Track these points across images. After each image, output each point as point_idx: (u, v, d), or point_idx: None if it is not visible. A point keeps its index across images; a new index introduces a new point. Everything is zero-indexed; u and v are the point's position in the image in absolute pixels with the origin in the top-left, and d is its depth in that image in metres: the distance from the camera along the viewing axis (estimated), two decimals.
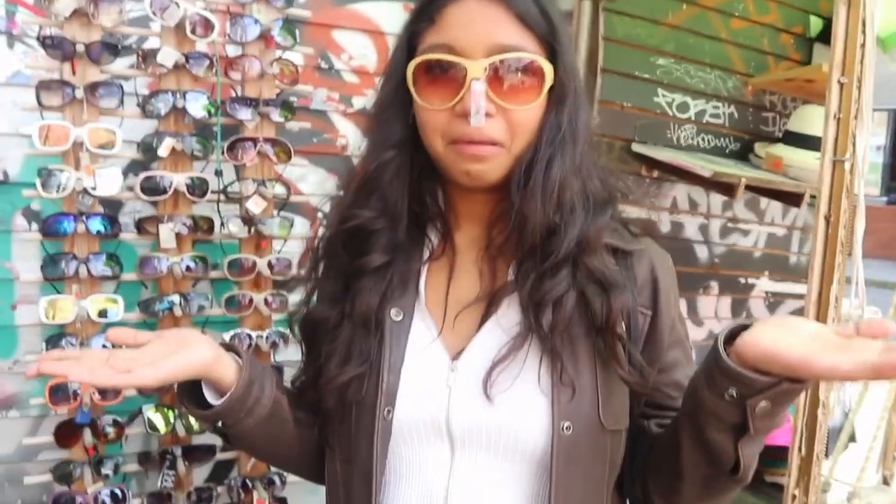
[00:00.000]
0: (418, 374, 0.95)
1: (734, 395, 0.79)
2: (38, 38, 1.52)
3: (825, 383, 1.42)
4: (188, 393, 0.96)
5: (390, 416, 0.93)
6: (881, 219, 13.78)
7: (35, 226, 1.67)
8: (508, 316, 0.94)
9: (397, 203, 0.96)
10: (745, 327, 0.81)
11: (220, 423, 0.96)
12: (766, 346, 0.76)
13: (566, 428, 0.89)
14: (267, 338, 1.73)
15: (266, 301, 1.72)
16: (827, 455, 1.72)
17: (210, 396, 0.96)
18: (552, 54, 0.91)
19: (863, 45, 1.39)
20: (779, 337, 0.76)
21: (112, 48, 1.56)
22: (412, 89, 0.92)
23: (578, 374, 0.92)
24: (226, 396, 0.93)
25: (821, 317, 1.39)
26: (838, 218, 1.38)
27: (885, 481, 1.78)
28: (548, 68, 0.89)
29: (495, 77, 0.87)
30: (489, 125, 0.88)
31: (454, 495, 0.92)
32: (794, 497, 1.41)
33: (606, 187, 0.97)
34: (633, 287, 0.96)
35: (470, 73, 0.86)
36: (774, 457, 1.96)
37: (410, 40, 0.94)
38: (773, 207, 2.80)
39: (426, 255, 1.00)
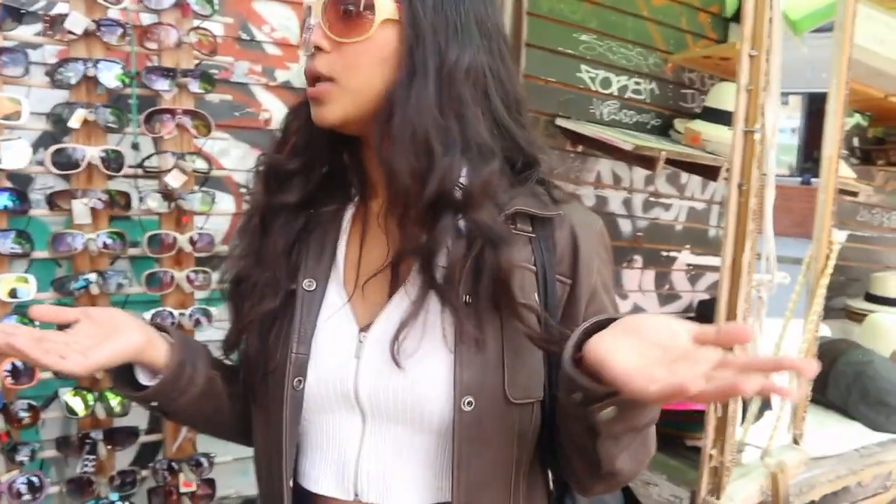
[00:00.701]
0: (328, 344, 0.94)
1: (577, 399, 0.77)
2: None
3: (739, 347, 1.48)
4: (120, 374, 0.95)
5: (301, 387, 0.92)
6: (795, 198, 14.38)
7: None
8: (414, 281, 0.92)
9: (319, 148, 0.95)
10: (606, 323, 0.77)
11: (154, 404, 0.96)
12: (600, 353, 0.71)
13: (467, 403, 0.87)
14: (190, 316, 1.69)
15: (188, 278, 1.68)
16: (742, 422, 1.80)
17: (143, 377, 0.95)
18: None
19: (770, 20, 1.44)
20: (617, 345, 0.71)
21: (15, 13, 1.48)
22: None
23: (483, 337, 0.88)
24: (158, 379, 0.93)
25: (734, 284, 1.45)
26: (749, 186, 1.44)
27: (796, 441, 1.87)
28: (382, 1, 0.85)
29: (331, 10, 0.85)
30: (318, 60, 0.87)
31: (364, 465, 0.92)
32: (710, 457, 1.47)
33: (517, 145, 0.92)
34: (550, 255, 0.93)
35: (314, 11, 0.87)
36: (694, 420, 2.05)
37: None
38: (693, 182, 2.89)
39: (346, 221, 0.99)
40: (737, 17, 2.73)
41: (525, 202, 0.92)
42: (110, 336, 0.87)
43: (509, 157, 0.93)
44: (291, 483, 0.93)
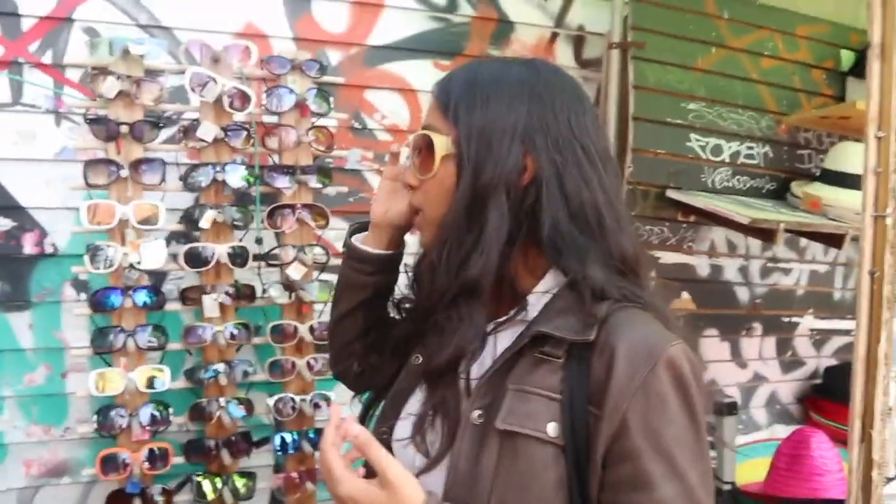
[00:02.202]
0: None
1: None
2: (84, 120, 1.58)
3: (879, 443, 1.38)
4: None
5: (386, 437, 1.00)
6: None
7: (83, 295, 1.72)
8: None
9: None
10: None
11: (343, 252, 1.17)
12: None
13: None
14: (310, 401, 1.74)
15: (308, 365, 1.74)
16: None
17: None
18: (455, 119, 0.94)
19: None
20: None
21: (153, 125, 1.61)
22: None
23: (478, 456, 0.87)
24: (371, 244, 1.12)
25: (870, 379, 1.36)
26: (883, 273, 1.36)
27: None
28: (439, 140, 0.94)
29: (414, 152, 0.99)
30: (412, 195, 1.00)
31: None
32: None
33: (567, 248, 0.91)
34: (584, 382, 0.85)
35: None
36: None
37: None
38: (815, 244, 2.75)
39: None
40: (854, 70, 2.62)
41: (560, 324, 0.88)
42: None
43: (572, 268, 0.90)
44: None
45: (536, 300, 0.93)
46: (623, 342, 0.84)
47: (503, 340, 0.93)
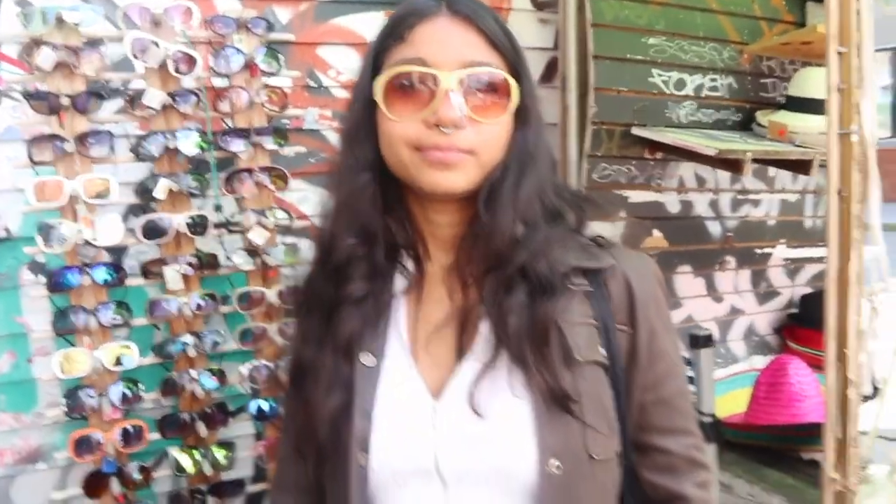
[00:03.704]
0: (396, 416, 0.93)
1: None
2: (22, 94, 1.51)
3: (854, 361, 1.39)
4: None
5: (366, 463, 0.92)
6: (892, 161, 13.60)
7: (42, 278, 1.67)
8: (482, 344, 0.93)
9: (375, 226, 0.96)
10: None
11: None
12: None
13: (556, 467, 0.88)
14: (285, 366, 1.72)
15: (280, 330, 1.71)
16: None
17: None
18: (517, 76, 0.94)
19: (858, 11, 1.35)
20: None
21: (98, 95, 1.55)
22: (381, 103, 0.91)
23: (561, 394, 0.91)
24: None
25: (842, 298, 1.36)
26: (851, 192, 1.35)
27: None
28: (514, 87, 0.92)
29: (467, 90, 0.89)
30: (461, 135, 0.89)
31: None
32: (832, 481, 1.38)
33: (567, 204, 0.99)
34: (607, 306, 0.96)
35: (444, 84, 0.88)
36: (809, 434, 1.94)
37: (377, 58, 0.95)
38: (783, 174, 2.74)
39: (400, 286, 0.99)
40: None
41: (578, 257, 0.96)
42: None
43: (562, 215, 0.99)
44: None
45: None
46: (628, 264, 0.98)
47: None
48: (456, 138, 0.89)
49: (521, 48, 0.96)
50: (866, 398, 1.49)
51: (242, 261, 1.69)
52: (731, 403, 2.30)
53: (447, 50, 0.90)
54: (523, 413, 0.89)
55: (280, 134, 1.70)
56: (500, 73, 0.91)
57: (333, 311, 0.98)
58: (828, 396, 1.42)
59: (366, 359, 0.95)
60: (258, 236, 1.67)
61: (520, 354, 0.90)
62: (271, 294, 1.69)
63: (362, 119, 0.95)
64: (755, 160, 2.03)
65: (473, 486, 0.90)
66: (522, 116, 0.95)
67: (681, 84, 2.34)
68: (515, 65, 0.94)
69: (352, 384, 0.95)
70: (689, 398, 1.05)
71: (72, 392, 1.54)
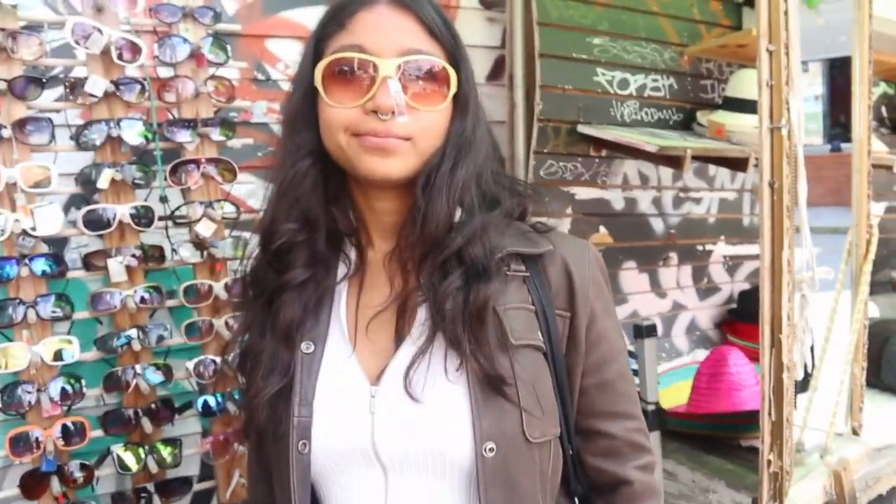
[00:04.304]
0: (336, 402, 0.94)
1: None
2: None
3: (787, 346, 1.45)
4: None
5: (306, 450, 0.93)
6: (826, 167, 14.13)
7: None
8: (420, 329, 0.94)
9: (316, 212, 0.96)
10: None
11: None
12: None
13: (489, 449, 0.89)
14: (232, 362, 1.69)
15: (227, 325, 1.69)
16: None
17: None
18: (455, 64, 0.94)
19: (786, 12, 1.41)
20: None
21: (37, 82, 1.51)
22: (320, 89, 0.92)
23: (496, 377, 0.91)
24: None
25: (776, 285, 1.41)
26: (782, 183, 1.41)
27: (855, 432, 1.83)
28: (453, 75, 0.93)
29: (405, 77, 0.90)
30: (398, 122, 0.90)
31: None
32: (769, 462, 1.43)
33: (507, 191, 1.00)
34: (546, 291, 0.97)
35: (382, 71, 0.89)
36: (745, 422, 2.01)
37: (318, 45, 0.96)
38: (723, 173, 2.85)
39: (342, 273, 1.00)
40: (749, 0, 2.69)
41: (515, 243, 0.97)
42: None
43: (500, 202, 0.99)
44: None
45: None
46: (567, 249, 0.99)
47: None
48: (393, 125, 0.89)
49: (459, 37, 0.97)
50: (798, 383, 1.55)
51: (189, 254, 1.67)
52: (674, 395, 2.37)
53: (386, 37, 0.90)
54: (458, 397, 0.90)
55: (227, 125, 1.69)
56: (438, 61, 0.92)
57: (275, 297, 0.98)
58: (763, 381, 1.48)
59: (306, 346, 0.96)
60: (205, 229, 1.65)
61: (455, 339, 0.90)
62: (218, 287, 1.68)
63: (303, 106, 0.96)
64: (695, 157, 2.10)
65: (412, 470, 0.91)
66: (461, 104, 0.95)
67: (624, 84, 2.40)
68: (454, 53, 0.95)
69: (292, 371, 0.95)
70: (631, 382, 1.05)
71: (9, 388, 1.49)
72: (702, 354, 2.69)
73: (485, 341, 0.90)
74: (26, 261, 1.49)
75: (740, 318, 2.88)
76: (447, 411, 0.90)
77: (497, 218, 0.96)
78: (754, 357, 2.20)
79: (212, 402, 1.69)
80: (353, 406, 0.93)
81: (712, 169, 2.81)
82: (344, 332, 0.97)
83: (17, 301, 1.49)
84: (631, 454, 1.01)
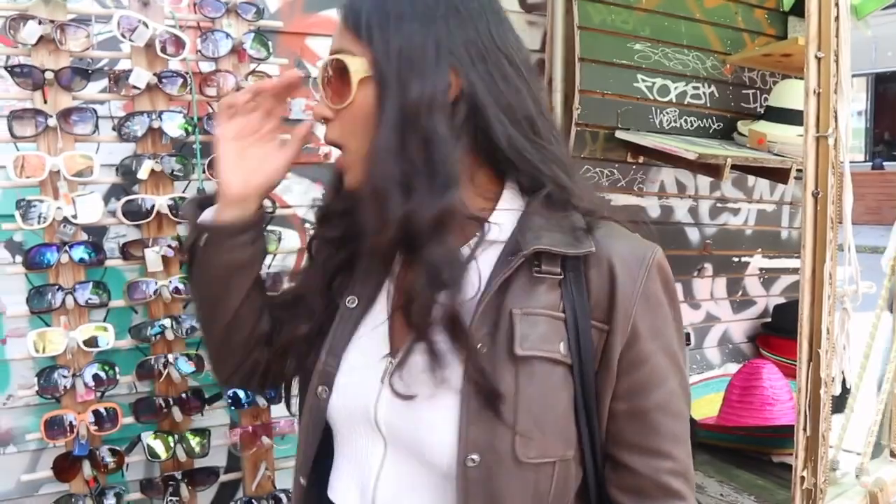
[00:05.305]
0: (357, 362, 0.94)
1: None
2: (5, 68, 1.50)
3: (825, 361, 1.41)
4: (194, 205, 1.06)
5: (325, 397, 0.94)
6: (867, 184, 13.88)
7: (19, 258, 1.65)
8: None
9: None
10: None
11: (204, 237, 0.99)
12: None
13: (471, 460, 0.83)
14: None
15: None
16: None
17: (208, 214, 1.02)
18: (369, 43, 0.85)
19: (836, 18, 1.38)
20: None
21: (83, 73, 1.54)
22: None
23: (494, 389, 0.83)
24: (236, 216, 0.98)
25: (816, 297, 1.38)
26: (826, 193, 1.38)
27: (893, 454, 1.78)
28: (353, 62, 0.85)
29: (325, 82, 0.88)
30: (328, 129, 0.90)
31: (381, 492, 0.91)
32: (802, 479, 1.40)
33: (521, 162, 0.88)
34: (583, 298, 0.85)
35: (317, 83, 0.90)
36: (777, 437, 1.97)
37: None
38: (761, 184, 2.80)
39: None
40: (795, 9, 2.64)
41: (551, 239, 0.85)
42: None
43: (528, 183, 0.89)
44: (304, 482, 0.97)
45: (505, 219, 0.89)
46: (618, 253, 0.86)
47: (484, 265, 0.87)
48: (327, 133, 0.90)
49: (381, 5, 0.86)
50: (836, 398, 1.51)
51: None
52: (704, 407, 2.33)
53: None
54: (450, 402, 0.85)
55: None
56: (337, 56, 0.86)
57: (317, 251, 1.02)
58: (799, 395, 1.45)
59: (350, 301, 0.96)
60: None
61: (459, 342, 0.84)
62: None
63: None
64: (734, 167, 2.06)
65: (405, 451, 0.90)
66: (378, 82, 0.84)
67: (664, 90, 2.37)
68: (360, 32, 0.85)
69: (328, 319, 0.97)
70: (677, 418, 0.89)
71: (46, 371, 1.52)
72: (733, 368, 2.65)
73: (480, 351, 0.83)
74: (66, 248, 1.52)
75: (775, 333, 2.83)
76: (437, 411, 0.86)
77: (455, 205, 0.83)
78: (788, 373, 2.16)
79: (241, 394, 1.70)
80: (370, 371, 0.92)
81: (751, 180, 2.76)
82: (387, 299, 0.96)
83: (57, 287, 1.52)
84: (658, 498, 0.88)
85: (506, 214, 0.90)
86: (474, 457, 0.83)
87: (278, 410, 1.78)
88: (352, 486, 0.95)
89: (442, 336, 0.85)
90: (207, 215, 1.02)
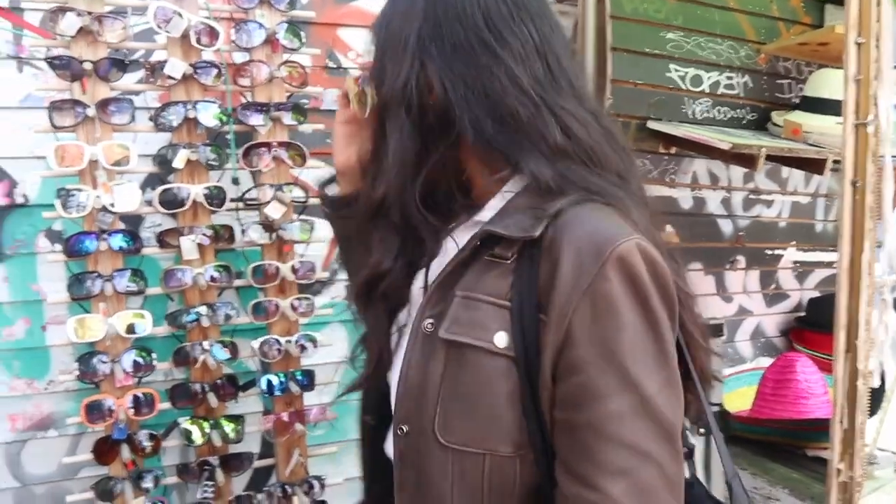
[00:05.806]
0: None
1: None
2: (45, 60, 1.53)
3: (863, 353, 1.39)
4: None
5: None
6: None
7: (58, 246, 1.69)
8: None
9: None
10: None
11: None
12: None
13: (400, 430, 0.86)
14: (296, 342, 1.73)
15: (292, 306, 1.72)
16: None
17: None
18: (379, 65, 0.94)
19: (878, 2, 1.35)
20: None
21: (120, 64, 1.57)
22: None
23: (425, 365, 0.84)
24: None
25: (853, 287, 1.36)
26: (865, 182, 1.35)
27: None
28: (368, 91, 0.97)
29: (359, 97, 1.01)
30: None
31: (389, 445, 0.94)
32: (838, 472, 1.38)
33: (502, 137, 0.85)
34: (532, 285, 0.78)
35: None
36: (813, 430, 1.94)
37: None
38: (796, 176, 2.75)
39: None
40: None
41: (508, 223, 0.82)
42: None
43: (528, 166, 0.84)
44: (371, 421, 1.00)
45: (498, 202, 0.88)
46: (571, 240, 0.76)
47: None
48: None
49: (380, 17, 0.95)
50: (874, 391, 1.49)
51: (258, 235, 1.70)
52: (737, 400, 2.30)
53: None
54: (396, 366, 0.90)
55: (299, 110, 1.72)
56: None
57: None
58: (836, 386, 1.43)
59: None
60: (275, 210, 1.68)
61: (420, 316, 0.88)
62: (285, 269, 1.71)
63: None
64: (769, 157, 2.03)
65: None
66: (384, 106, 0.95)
67: (697, 80, 2.34)
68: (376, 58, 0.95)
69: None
70: (613, 443, 0.74)
71: (85, 357, 1.56)
72: (766, 362, 2.61)
73: (419, 329, 0.85)
74: (105, 236, 1.55)
75: (809, 327, 2.79)
76: (395, 375, 0.90)
77: (398, 181, 0.90)
78: (822, 368, 2.13)
79: (275, 381, 1.72)
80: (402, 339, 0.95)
81: (785, 171, 2.72)
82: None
83: (95, 274, 1.55)
84: None
85: (502, 197, 0.88)
86: (404, 427, 0.86)
87: (311, 398, 1.80)
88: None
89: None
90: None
